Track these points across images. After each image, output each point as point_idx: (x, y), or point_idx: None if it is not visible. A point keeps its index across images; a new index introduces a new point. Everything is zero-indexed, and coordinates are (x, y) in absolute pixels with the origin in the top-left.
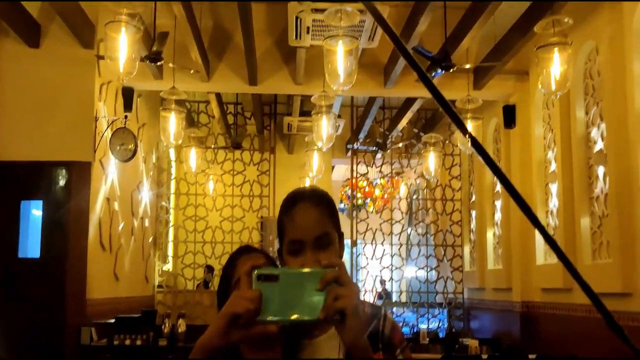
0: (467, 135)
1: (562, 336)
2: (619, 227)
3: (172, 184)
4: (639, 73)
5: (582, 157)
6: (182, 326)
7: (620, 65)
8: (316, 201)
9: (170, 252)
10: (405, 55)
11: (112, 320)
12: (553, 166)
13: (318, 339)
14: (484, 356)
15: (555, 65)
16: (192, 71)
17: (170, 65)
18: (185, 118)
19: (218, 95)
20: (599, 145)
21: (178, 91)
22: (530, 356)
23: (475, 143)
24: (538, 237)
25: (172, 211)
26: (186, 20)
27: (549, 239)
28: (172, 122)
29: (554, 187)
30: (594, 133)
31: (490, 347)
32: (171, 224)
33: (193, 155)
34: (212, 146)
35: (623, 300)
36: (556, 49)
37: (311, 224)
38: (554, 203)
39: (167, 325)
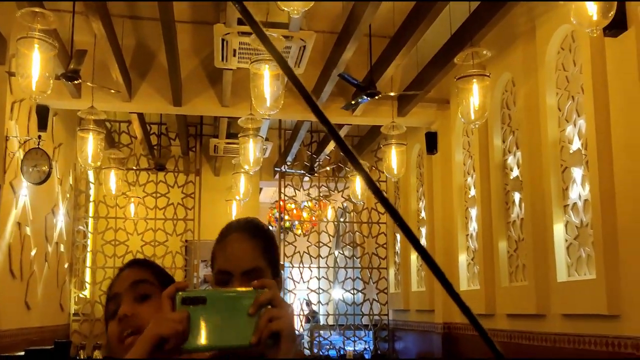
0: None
1: (482, 358)
2: (534, 251)
3: (91, 207)
4: (551, 104)
5: (499, 183)
6: (98, 357)
7: (534, 96)
8: (251, 233)
9: (87, 278)
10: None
11: (22, 353)
12: (472, 191)
13: None
14: None
15: (474, 96)
16: (112, 90)
17: (89, 84)
18: (104, 139)
19: (141, 115)
20: (515, 172)
21: (97, 111)
22: None
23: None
24: (462, 262)
25: (90, 235)
26: (106, 38)
27: (431, 264)
28: (90, 142)
29: (473, 212)
30: (511, 160)
31: None
32: (89, 249)
33: (113, 177)
34: (134, 168)
35: (537, 321)
36: (475, 80)
37: (241, 256)
38: (473, 227)
39: (82, 356)
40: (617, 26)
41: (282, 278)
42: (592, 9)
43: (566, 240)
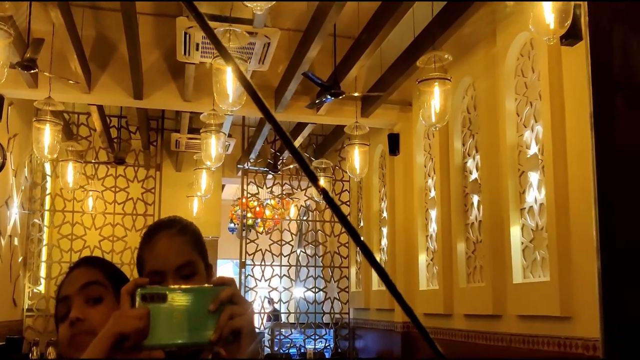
0: (319, 189)
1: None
2: (491, 253)
3: (47, 200)
4: (510, 109)
5: (458, 186)
6: (52, 354)
7: (494, 101)
8: (178, 230)
9: (42, 273)
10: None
11: None
12: (433, 193)
13: None
14: None
15: (435, 99)
16: (71, 81)
17: (47, 74)
18: (62, 130)
19: (100, 108)
20: (474, 175)
21: (54, 101)
22: None
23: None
24: (421, 263)
25: (45, 229)
26: (65, 28)
27: (377, 267)
28: (47, 134)
29: (433, 213)
30: (470, 163)
31: None
32: (44, 242)
33: (70, 170)
34: (93, 161)
35: (494, 321)
36: (436, 83)
37: (172, 253)
38: (433, 228)
39: (35, 353)
40: (573, 36)
41: (212, 272)
42: (550, 18)
43: (522, 243)
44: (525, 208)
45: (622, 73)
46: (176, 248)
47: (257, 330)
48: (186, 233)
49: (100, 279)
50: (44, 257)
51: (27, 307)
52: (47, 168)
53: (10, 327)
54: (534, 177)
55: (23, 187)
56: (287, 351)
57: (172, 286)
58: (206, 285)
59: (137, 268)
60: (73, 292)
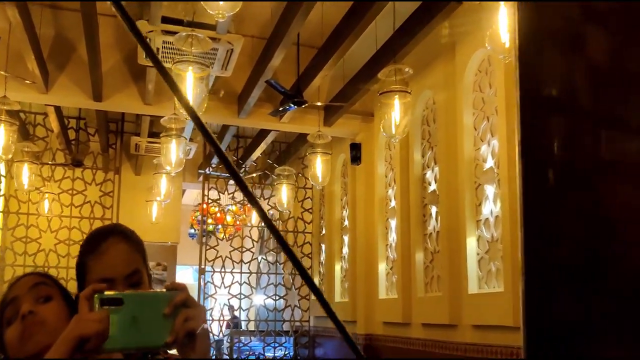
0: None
1: None
2: (448, 263)
3: (1, 201)
4: (467, 123)
5: (418, 196)
6: None
7: (453, 114)
8: (126, 236)
9: None
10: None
11: None
12: (393, 203)
13: None
14: None
15: (396, 111)
16: (27, 81)
17: (2, 72)
18: (18, 130)
19: (58, 109)
20: (433, 186)
21: (10, 101)
22: None
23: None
24: (381, 272)
25: None
26: (22, 26)
27: (304, 275)
28: (2, 134)
29: (393, 222)
30: (429, 175)
31: None
32: None
33: (26, 172)
34: (50, 162)
35: (450, 331)
36: (397, 96)
37: (122, 260)
38: (393, 237)
39: None
40: None
41: (150, 276)
42: (505, 37)
43: (478, 254)
44: (481, 220)
45: (547, 91)
46: (125, 256)
47: (211, 335)
48: (132, 241)
49: (48, 282)
50: None
51: None
52: (2, 169)
53: None
54: (489, 189)
55: None
56: (246, 359)
57: (128, 291)
58: (160, 290)
59: (76, 275)
60: (22, 293)
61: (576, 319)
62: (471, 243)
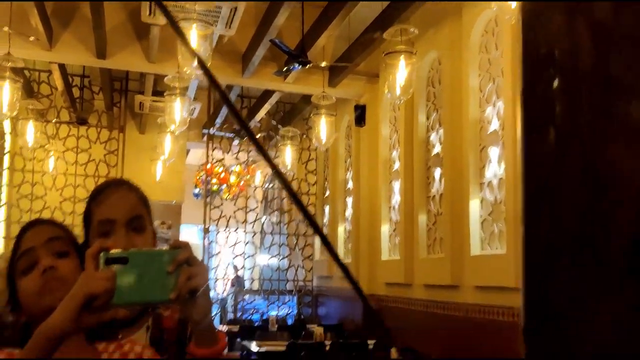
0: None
1: (401, 327)
2: (451, 225)
3: (6, 158)
4: (473, 85)
5: (422, 159)
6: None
7: (458, 76)
8: (129, 186)
9: (1, 232)
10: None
11: None
12: (397, 165)
13: (124, 341)
14: (327, 342)
15: (401, 72)
16: (31, 38)
17: (6, 29)
18: (22, 87)
19: (62, 66)
20: (437, 149)
21: (14, 58)
22: (369, 341)
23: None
24: (384, 233)
25: (4, 188)
26: None
27: (324, 240)
28: (6, 91)
29: (396, 185)
30: (433, 137)
31: (335, 334)
32: (3, 202)
33: (31, 129)
34: (54, 120)
35: (452, 291)
36: (402, 56)
37: (124, 204)
38: (396, 199)
39: None
40: None
41: (155, 233)
42: None
43: (481, 216)
44: (484, 182)
45: (549, 52)
46: (128, 201)
47: (217, 295)
48: (136, 192)
49: (64, 236)
50: (2, 216)
51: None
52: (7, 126)
53: None
54: (494, 152)
55: None
56: (250, 317)
57: (133, 250)
58: (164, 248)
59: (83, 222)
60: (39, 244)
61: (576, 284)
62: (474, 205)
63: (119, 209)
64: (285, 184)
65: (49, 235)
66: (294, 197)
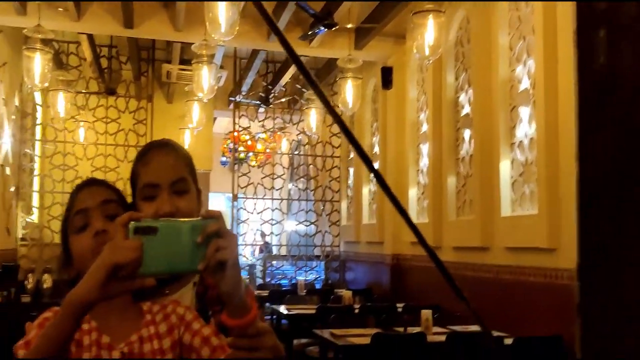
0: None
1: (428, 287)
2: (480, 187)
3: (38, 129)
4: (503, 44)
5: (450, 120)
6: (47, 282)
7: (487, 35)
8: (172, 148)
9: (35, 202)
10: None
11: None
12: (425, 127)
13: (169, 297)
14: (356, 306)
15: (429, 31)
16: (60, 9)
17: (35, 0)
18: (52, 59)
19: (90, 37)
20: (466, 109)
21: (44, 29)
22: (398, 305)
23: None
24: (411, 195)
25: (37, 159)
26: None
27: (394, 201)
28: (37, 62)
29: (424, 148)
30: (463, 98)
31: (362, 297)
32: (36, 172)
33: (61, 100)
34: (84, 91)
35: (482, 253)
36: (431, 15)
37: (167, 167)
38: (424, 162)
39: (30, 280)
40: None
41: (201, 198)
42: None
43: (512, 177)
44: (515, 142)
45: (603, 4)
46: (171, 164)
47: (246, 260)
48: (181, 153)
49: (116, 199)
50: (36, 187)
51: (20, 236)
52: (38, 97)
53: (5, 255)
54: (525, 111)
55: (14, 117)
56: (278, 282)
57: (162, 220)
58: (195, 219)
59: (130, 183)
60: (93, 206)
61: (629, 241)
62: (505, 166)
63: (162, 173)
64: (354, 142)
65: (102, 197)
66: (364, 158)
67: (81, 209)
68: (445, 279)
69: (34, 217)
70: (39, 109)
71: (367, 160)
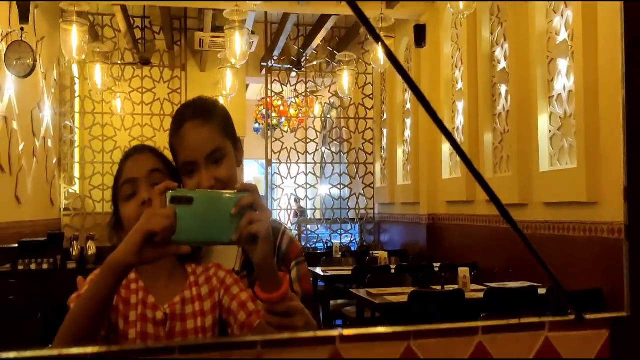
0: (380, 43)
1: (464, 245)
2: (518, 143)
3: (77, 102)
4: None
5: (486, 76)
6: (91, 248)
7: None
8: (204, 117)
9: (76, 173)
10: None
11: (15, 245)
12: (460, 84)
13: (218, 247)
14: (393, 266)
15: None
16: None
17: None
18: (88, 31)
19: (124, 8)
20: (502, 64)
21: (79, 2)
22: (435, 265)
23: (389, 54)
24: (445, 152)
25: (77, 131)
26: None
27: (458, 149)
28: (74, 35)
29: (460, 105)
30: (498, 52)
31: (398, 258)
32: (76, 144)
33: (98, 72)
34: (119, 62)
35: (520, 210)
36: None
37: (201, 143)
38: (460, 120)
39: (75, 248)
40: None
41: (241, 146)
42: None
43: (550, 131)
44: (553, 96)
45: None
46: (204, 137)
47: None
48: (211, 118)
49: (163, 168)
50: (77, 158)
51: (63, 206)
52: (75, 71)
53: (49, 225)
54: (562, 64)
55: (53, 90)
56: (314, 245)
57: (199, 190)
58: (230, 191)
59: (171, 153)
60: (141, 176)
61: None
62: (543, 120)
63: (198, 148)
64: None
65: (150, 167)
66: (437, 122)
67: (129, 179)
68: (519, 237)
69: (76, 188)
70: (77, 81)
71: (440, 125)
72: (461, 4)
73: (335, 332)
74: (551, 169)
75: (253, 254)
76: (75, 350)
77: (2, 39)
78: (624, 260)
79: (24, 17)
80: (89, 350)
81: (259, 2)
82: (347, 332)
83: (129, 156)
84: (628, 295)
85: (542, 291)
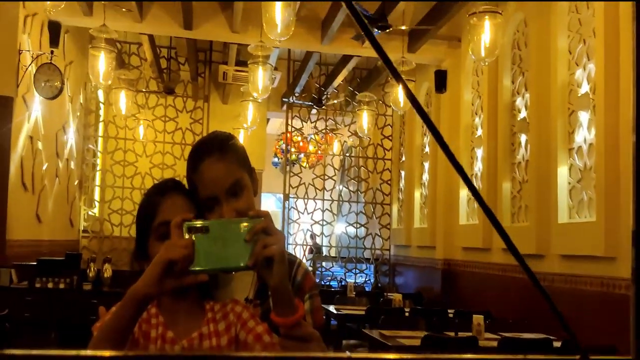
0: (400, 82)
1: (479, 292)
2: (537, 193)
3: (100, 126)
4: (562, 47)
5: (506, 124)
6: (108, 271)
7: (546, 38)
8: (220, 152)
9: (96, 196)
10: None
11: (34, 263)
12: (479, 131)
13: (233, 274)
14: (407, 309)
15: (486, 33)
16: (124, 9)
17: (101, 1)
18: (115, 58)
19: (151, 38)
20: (523, 114)
21: (109, 29)
22: (449, 311)
23: (410, 95)
24: (462, 198)
25: (99, 154)
26: None
27: (477, 197)
28: (102, 61)
29: (479, 152)
30: (519, 102)
31: (412, 301)
32: (98, 167)
33: (123, 98)
34: (144, 90)
35: (537, 261)
36: (487, 17)
37: (220, 178)
38: (478, 167)
39: (92, 269)
40: None
41: (256, 176)
42: None
43: (569, 183)
44: (573, 148)
45: None
46: (222, 172)
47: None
48: (228, 153)
49: (194, 209)
50: (97, 181)
51: (82, 228)
52: (101, 96)
53: (67, 246)
54: (584, 116)
55: (78, 114)
56: (328, 283)
57: (213, 220)
58: (243, 218)
59: (189, 187)
60: (172, 227)
61: None
62: (562, 172)
63: (217, 184)
64: (442, 143)
65: (183, 210)
66: (457, 167)
67: (165, 222)
68: (533, 283)
69: (95, 210)
70: (102, 106)
71: (459, 169)
72: (483, 51)
73: (344, 355)
74: (570, 221)
75: (269, 277)
76: (91, 353)
77: (32, 61)
78: (631, 304)
79: (54, 41)
80: (106, 354)
81: (282, 39)
82: (356, 355)
83: (164, 193)
84: (634, 338)
85: (557, 344)
